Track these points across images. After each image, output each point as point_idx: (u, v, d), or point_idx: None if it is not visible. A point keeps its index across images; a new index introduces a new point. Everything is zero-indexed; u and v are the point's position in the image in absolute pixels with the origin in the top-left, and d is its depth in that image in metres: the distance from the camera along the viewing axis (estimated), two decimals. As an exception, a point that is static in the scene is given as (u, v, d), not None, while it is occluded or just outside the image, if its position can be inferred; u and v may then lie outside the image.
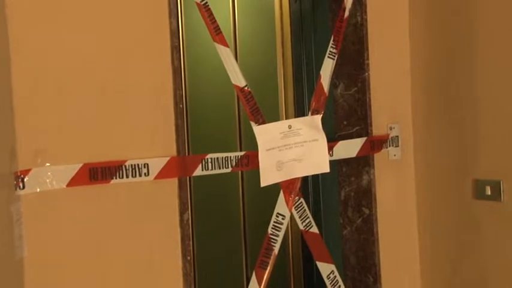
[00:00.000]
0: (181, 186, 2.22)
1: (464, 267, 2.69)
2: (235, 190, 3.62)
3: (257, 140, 2.35)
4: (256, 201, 3.61)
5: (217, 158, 2.31)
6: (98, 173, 2.07)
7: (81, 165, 2.02)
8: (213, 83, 3.47)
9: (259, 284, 2.35)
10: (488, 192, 2.48)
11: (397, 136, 2.77)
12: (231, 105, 3.56)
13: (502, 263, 2.54)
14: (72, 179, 2.02)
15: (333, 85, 2.66)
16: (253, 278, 2.40)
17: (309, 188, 3.01)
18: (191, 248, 2.30)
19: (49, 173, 1.98)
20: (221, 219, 3.33)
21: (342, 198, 2.79)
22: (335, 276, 2.53)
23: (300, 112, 3.10)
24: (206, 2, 2.31)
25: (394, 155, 2.76)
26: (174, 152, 2.20)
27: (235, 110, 3.56)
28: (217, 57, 2.72)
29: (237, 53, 3.50)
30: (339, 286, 2.56)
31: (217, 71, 3.26)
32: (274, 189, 2.60)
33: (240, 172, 3.51)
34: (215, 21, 2.30)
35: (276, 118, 2.97)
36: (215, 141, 3.33)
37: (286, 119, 3.14)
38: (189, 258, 2.26)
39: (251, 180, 3.36)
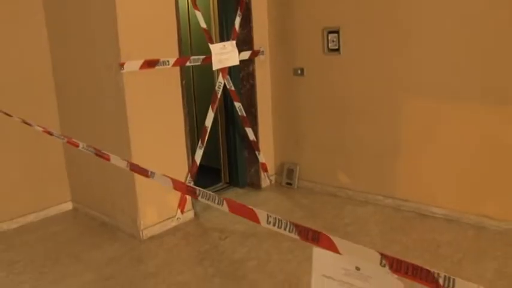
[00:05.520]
0: (181, 69, 3.63)
1: (289, 105, 4.39)
2: (189, 74, 5.16)
3: (211, 50, 3.80)
4: (200, 81, 5.07)
5: (195, 58, 3.70)
6: (151, 63, 3.35)
7: (143, 60, 3.33)
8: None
9: (213, 110, 3.94)
10: (299, 72, 4.28)
11: (263, 50, 4.44)
12: (187, 33, 4.95)
13: (304, 103, 4.27)
14: (141, 66, 3.31)
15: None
16: (210, 110, 3.92)
17: (227, 72, 4.00)
18: (185, 98, 3.73)
19: (133, 63, 3.25)
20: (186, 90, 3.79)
21: (240, 76, 4.41)
22: (241, 108, 4.28)
23: (222, 40, 4.21)
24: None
25: (262, 58, 4.45)
26: (177, 55, 3.60)
27: (188, 36, 5.03)
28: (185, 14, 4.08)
29: (189, 17, 4.88)
30: (243, 112, 4.25)
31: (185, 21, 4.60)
32: (206, 76, 4.21)
33: (191, 67, 5.05)
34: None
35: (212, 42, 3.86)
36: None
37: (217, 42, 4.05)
38: (184, 99, 3.74)
39: (197, 70, 4.97)
